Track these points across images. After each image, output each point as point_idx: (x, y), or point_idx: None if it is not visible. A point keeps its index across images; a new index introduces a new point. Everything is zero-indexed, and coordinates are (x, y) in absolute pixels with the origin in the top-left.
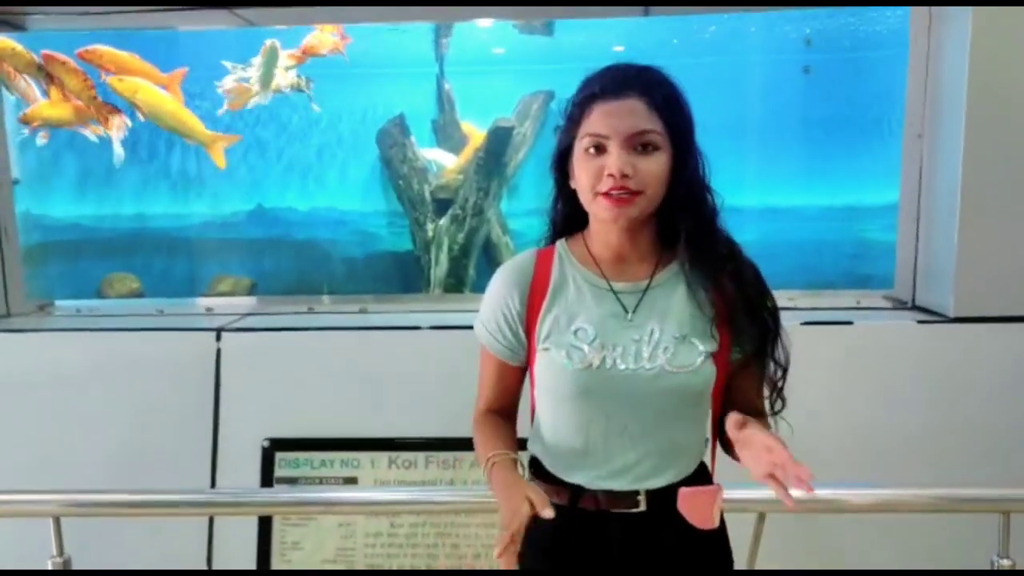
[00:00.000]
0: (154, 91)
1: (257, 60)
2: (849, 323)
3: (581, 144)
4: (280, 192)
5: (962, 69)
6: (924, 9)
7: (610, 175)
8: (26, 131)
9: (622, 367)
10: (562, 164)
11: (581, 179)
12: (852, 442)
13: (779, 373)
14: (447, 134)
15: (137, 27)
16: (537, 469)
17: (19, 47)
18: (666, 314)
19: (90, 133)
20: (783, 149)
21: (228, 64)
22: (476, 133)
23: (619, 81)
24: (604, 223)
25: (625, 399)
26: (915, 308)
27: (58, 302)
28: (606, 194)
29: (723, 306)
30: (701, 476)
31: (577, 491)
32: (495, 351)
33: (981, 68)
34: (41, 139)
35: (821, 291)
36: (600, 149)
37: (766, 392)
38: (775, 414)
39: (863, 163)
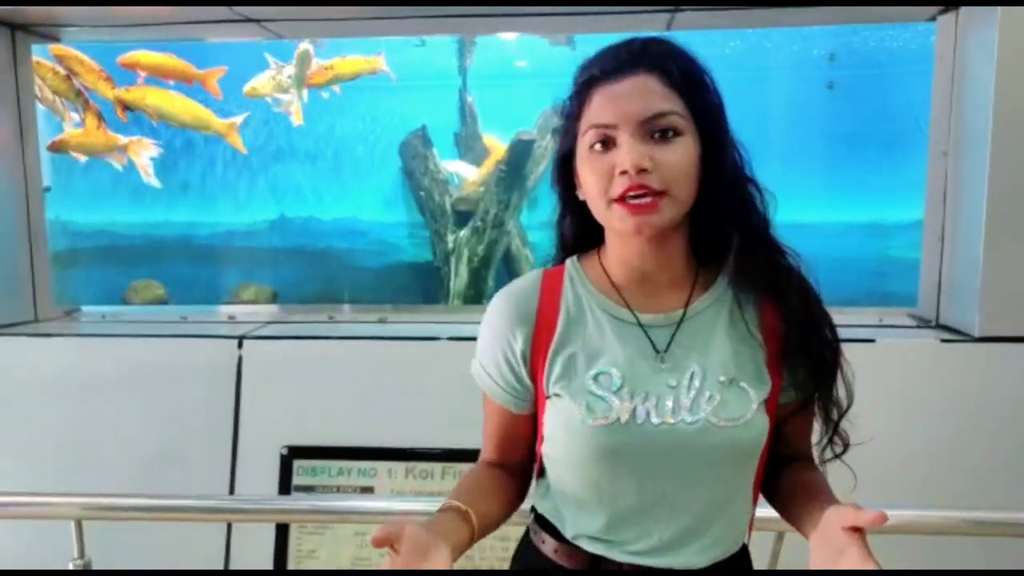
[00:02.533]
0: (162, 93)
1: (291, 65)
2: (871, 341)
3: (584, 141)
4: (303, 202)
5: (988, 86)
6: (950, 25)
7: (623, 172)
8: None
9: (657, 421)
10: (566, 172)
11: (589, 185)
12: (873, 461)
13: (836, 413)
14: (469, 146)
15: (168, 39)
16: (546, 527)
17: (60, 70)
18: (708, 352)
19: (116, 162)
20: (806, 164)
21: (269, 58)
22: (498, 146)
23: (623, 57)
24: (623, 237)
25: (663, 461)
26: (939, 327)
27: (84, 308)
28: (622, 199)
29: (775, 338)
30: (742, 559)
31: (597, 558)
32: (496, 397)
33: (1008, 85)
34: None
35: (843, 308)
36: (608, 143)
37: (818, 435)
38: (836, 457)
39: (887, 179)
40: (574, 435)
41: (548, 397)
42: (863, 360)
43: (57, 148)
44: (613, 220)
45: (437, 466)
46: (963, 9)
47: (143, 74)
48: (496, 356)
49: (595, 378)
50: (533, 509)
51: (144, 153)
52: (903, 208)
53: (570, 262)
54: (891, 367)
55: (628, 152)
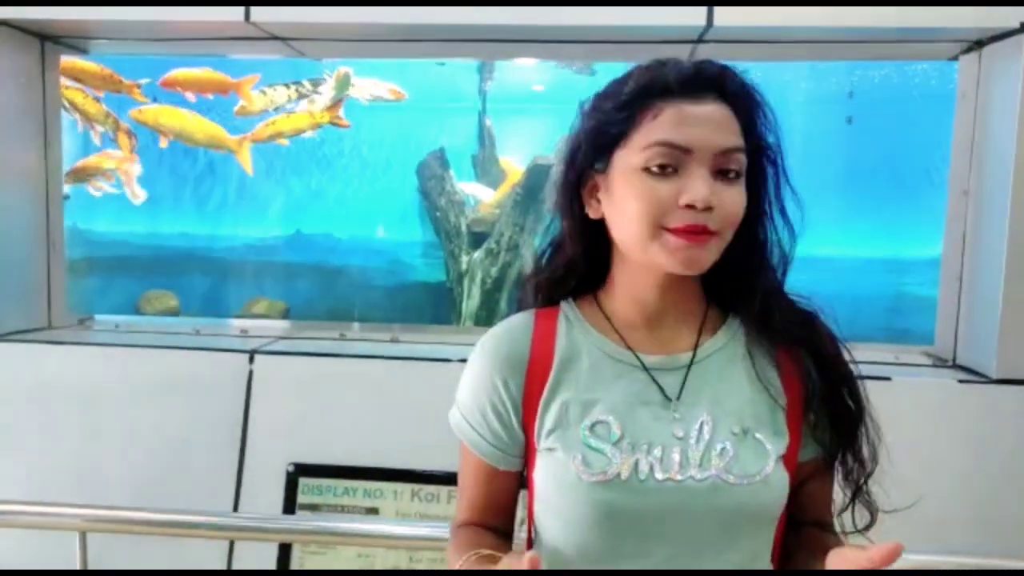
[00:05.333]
0: (175, 112)
1: (329, 85)
2: (887, 379)
3: (640, 156)
4: (319, 218)
5: (1012, 125)
6: (973, 64)
7: (688, 206)
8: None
9: (661, 477)
10: (579, 186)
11: (632, 208)
12: (885, 501)
13: (861, 475)
14: (486, 169)
15: (193, 54)
16: None
17: (90, 96)
18: (720, 399)
19: (106, 180)
20: (823, 198)
21: (326, 74)
22: (514, 169)
23: (700, 77)
24: (647, 271)
25: (668, 524)
26: (956, 367)
27: (98, 316)
28: (677, 230)
29: (794, 387)
30: None
31: None
32: (480, 451)
33: None
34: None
35: (858, 344)
36: (668, 168)
37: (840, 497)
38: (862, 531)
39: (904, 215)
40: (568, 493)
41: (539, 452)
42: (879, 398)
43: (75, 180)
44: (657, 253)
45: (443, 489)
46: (986, 49)
47: (184, 91)
48: (482, 403)
49: (591, 428)
50: None
51: (132, 172)
52: (920, 244)
53: (565, 303)
54: (907, 406)
55: (702, 185)
